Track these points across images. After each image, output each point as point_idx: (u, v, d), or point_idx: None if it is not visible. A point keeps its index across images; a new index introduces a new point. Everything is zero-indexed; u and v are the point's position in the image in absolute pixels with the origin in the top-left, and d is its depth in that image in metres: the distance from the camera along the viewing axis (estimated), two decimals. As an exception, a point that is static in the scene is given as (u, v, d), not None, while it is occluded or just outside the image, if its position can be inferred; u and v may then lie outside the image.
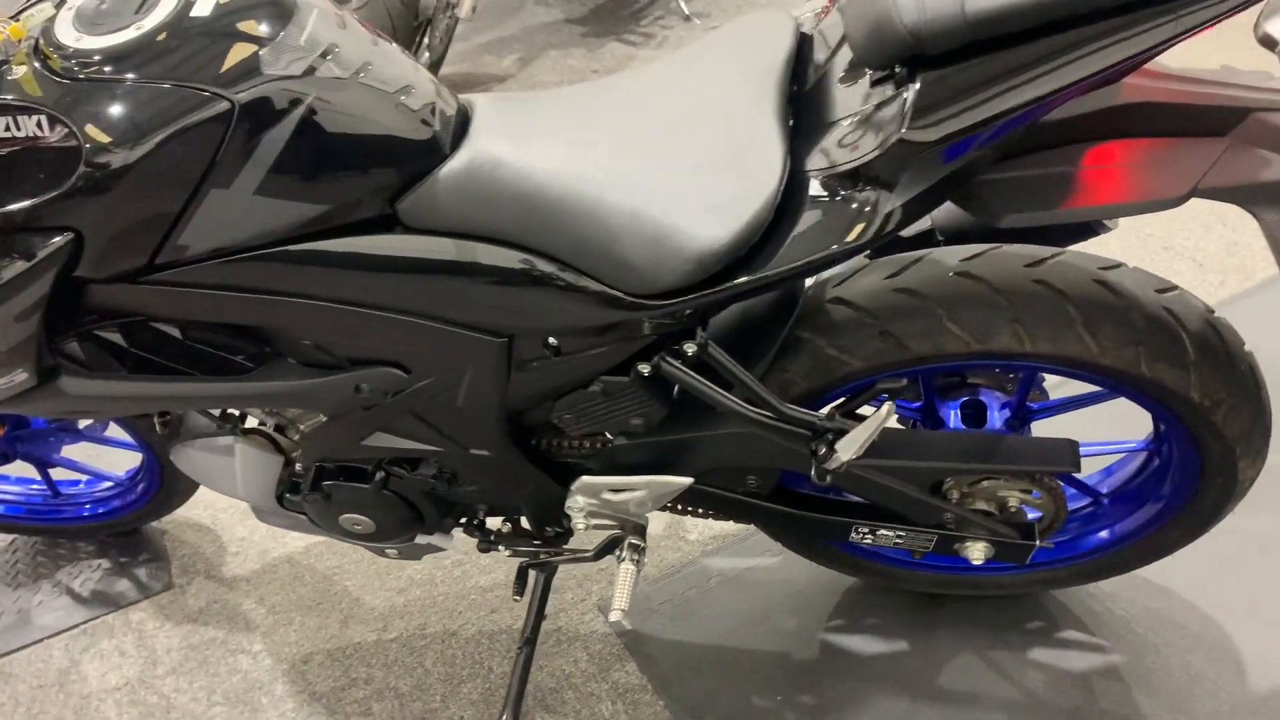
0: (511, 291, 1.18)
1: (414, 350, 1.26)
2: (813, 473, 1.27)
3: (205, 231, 1.11)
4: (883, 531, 1.46)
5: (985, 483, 1.42)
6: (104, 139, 1.04)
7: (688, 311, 1.17)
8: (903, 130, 1.03)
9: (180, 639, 1.83)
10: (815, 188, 1.12)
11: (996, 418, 1.45)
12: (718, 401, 1.25)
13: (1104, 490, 1.58)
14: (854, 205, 1.10)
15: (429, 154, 1.15)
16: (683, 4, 3.75)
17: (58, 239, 1.09)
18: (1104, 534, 1.58)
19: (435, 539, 1.57)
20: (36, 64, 1.07)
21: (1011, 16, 0.96)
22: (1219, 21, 0.96)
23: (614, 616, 1.43)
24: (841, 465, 1.25)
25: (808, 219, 1.12)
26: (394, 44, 1.20)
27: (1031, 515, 1.47)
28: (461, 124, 1.20)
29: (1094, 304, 1.22)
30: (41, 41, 1.08)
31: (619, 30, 3.72)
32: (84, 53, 1.06)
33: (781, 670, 1.67)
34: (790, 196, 1.12)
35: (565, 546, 1.58)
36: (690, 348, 1.23)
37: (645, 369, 1.24)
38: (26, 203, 1.07)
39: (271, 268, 1.16)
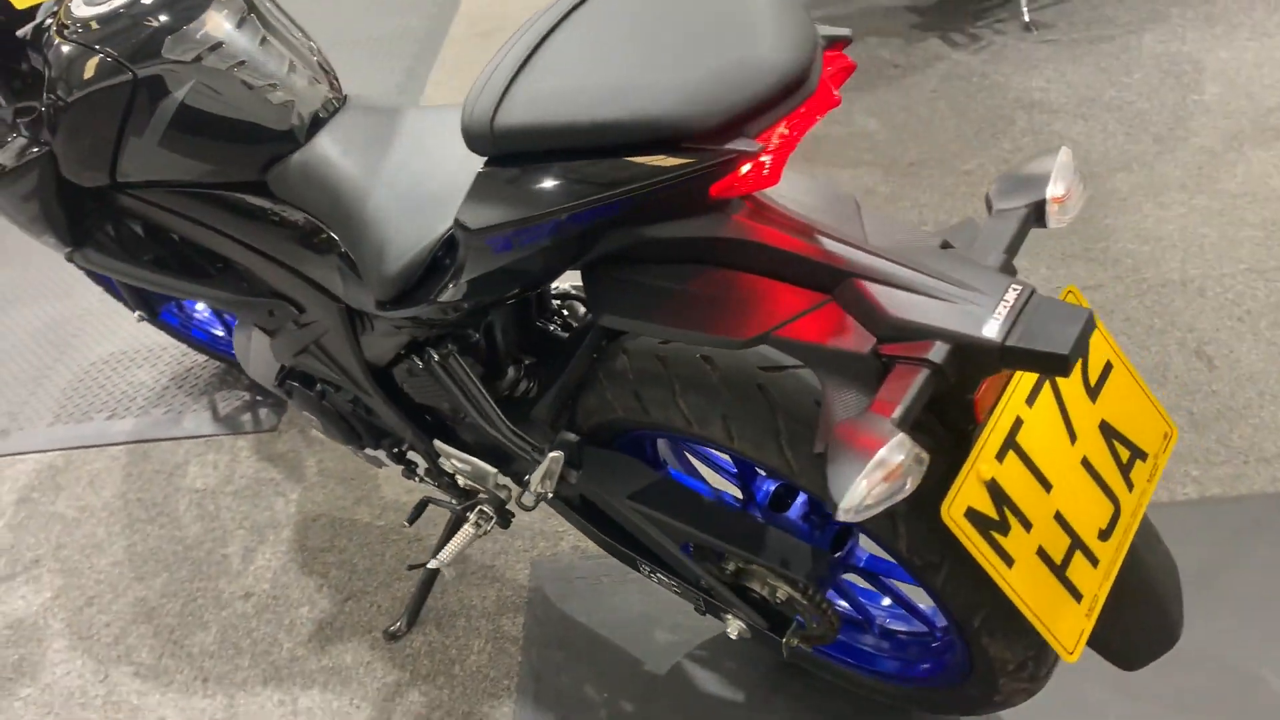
0: (326, 266, 1.41)
1: (295, 293, 1.53)
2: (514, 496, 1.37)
3: (136, 165, 1.45)
4: (659, 576, 1.50)
5: (754, 565, 1.41)
6: (58, 84, 1.40)
7: (408, 321, 1.33)
8: (456, 214, 1.10)
9: (254, 471, 2.29)
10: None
11: (796, 508, 1.42)
12: (460, 404, 1.39)
13: (938, 623, 1.47)
14: (448, 272, 1.19)
15: (286, 141, 1.40)
16: (1024, 10, 3.50)
17: (35, 149, 1.49)
18: (926, 667, 1.48)
19: (380, 455, 1.85)
20: (53, 21, 1.46)
21: (530, 136, 1.00)
22: (711, 173, 0.94)
23: (431, 564, 1.63)
24: (526, 495, 1.34)
25: (439, 274, 1.22)
26: (287, 46, 1.44)
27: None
28: (327, 120, 1.43)
29: (804, 423, 1.18)
30: (64, 5, 1.47)
31: (949, 27, 3.58)
32: (74, 18, 1.42)
33: (625, 674, 1.76)
34: (452, 249, 1.23)
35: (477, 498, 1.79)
36: (435, 354, 1.37)
37: (419, 361, 1.41)
38: (26, 119, 1.48)
39: (190, 202, 1.49)
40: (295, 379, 1.77)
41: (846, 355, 0.97)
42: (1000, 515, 1.00)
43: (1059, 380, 1.05)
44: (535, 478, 1.33)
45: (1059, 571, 1.05)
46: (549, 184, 1.02)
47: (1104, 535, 1.08)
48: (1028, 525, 1.02)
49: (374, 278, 1.29)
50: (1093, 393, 1.08)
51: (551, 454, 1.31)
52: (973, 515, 0.98)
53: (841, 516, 0.88)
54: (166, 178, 1.45)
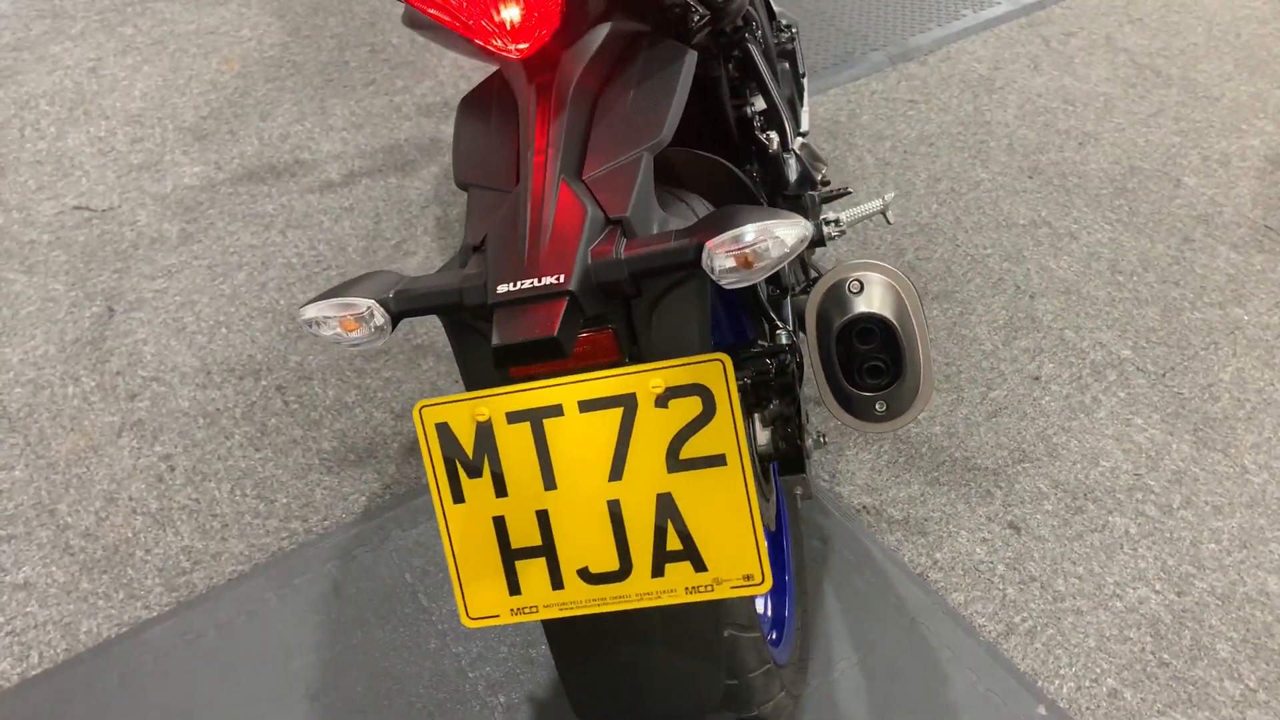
0: None
1: None
2: None
3: None
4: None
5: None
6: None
7: None
8: None
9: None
10: None
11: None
12: None
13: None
14: None
15: None
16: None
17: None
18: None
19: None
20: None
21: None
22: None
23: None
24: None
25: None
26: None
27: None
28: None
29: None
30: None
31: None
32: None
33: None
34: None
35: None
36: None
37: None
38: None
39: None
40: None
41: (466, 242, 1.02)
42: (475, 457, 0.99)
43: (639, 420, 0.96)
44: None
45: (507, 555, 1.01)
46: None
47: (587, 578, 1.01)
48: (502, 491, 0.99)
49: None
50: (674, 464, 0.97)
51: None
52: (444, 433, 0.99)
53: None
54: None
